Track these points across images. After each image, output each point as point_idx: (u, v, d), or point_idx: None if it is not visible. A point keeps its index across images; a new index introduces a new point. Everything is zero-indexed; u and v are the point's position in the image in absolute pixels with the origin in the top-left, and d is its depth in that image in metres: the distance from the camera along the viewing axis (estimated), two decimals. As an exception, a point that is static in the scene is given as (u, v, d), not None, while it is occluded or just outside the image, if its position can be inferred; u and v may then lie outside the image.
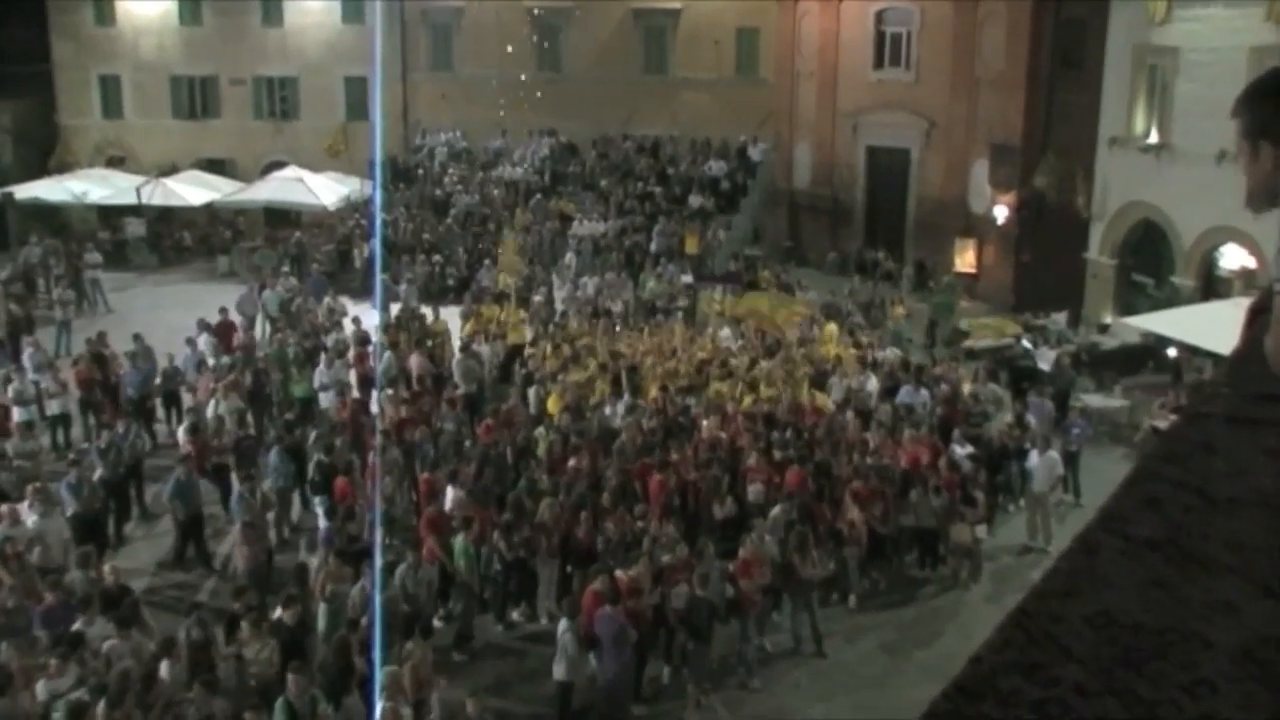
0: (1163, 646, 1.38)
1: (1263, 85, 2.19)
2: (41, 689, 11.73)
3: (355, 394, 21.65)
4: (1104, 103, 28.52)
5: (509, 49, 37.94)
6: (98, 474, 17.71)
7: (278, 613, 13.30)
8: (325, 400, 21.57)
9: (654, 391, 20.69)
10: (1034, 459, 18.39)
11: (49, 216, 38.11)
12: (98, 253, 33.28)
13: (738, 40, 39.55)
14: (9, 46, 41.04)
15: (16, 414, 20.81)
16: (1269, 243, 20.99)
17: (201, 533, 17.49)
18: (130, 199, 37.30)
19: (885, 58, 35.20)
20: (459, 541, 15.26)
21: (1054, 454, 18.52)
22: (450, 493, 16.47)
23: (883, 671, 15.01)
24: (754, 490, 17.01)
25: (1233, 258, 25.20)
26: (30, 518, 15.55)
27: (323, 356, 22.68)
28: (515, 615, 15.85)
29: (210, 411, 20.09)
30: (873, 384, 21.66)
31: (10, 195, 37.14)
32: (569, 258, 32.68)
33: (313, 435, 18.85)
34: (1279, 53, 21.43)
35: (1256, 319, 2.13)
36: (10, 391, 21.21)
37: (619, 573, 13.96)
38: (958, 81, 32.92)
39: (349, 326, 25.38)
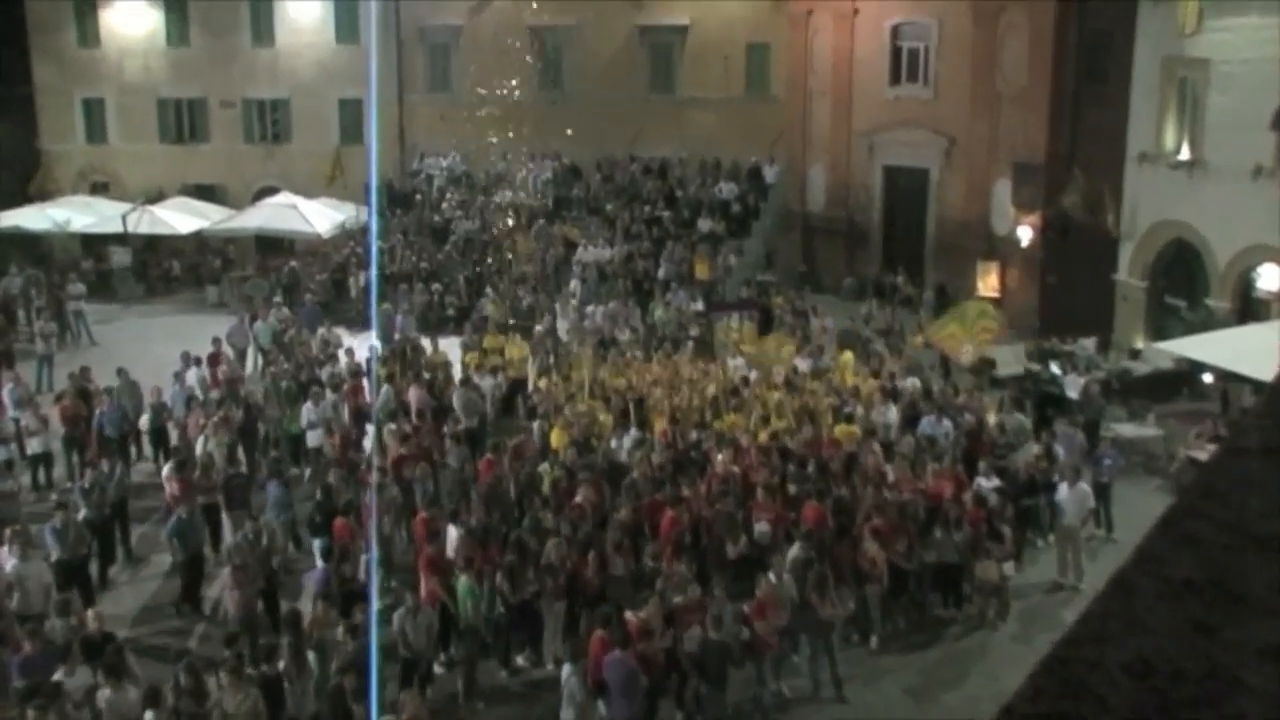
0: (1202, 694, 1.36)
1: None
2: (18, 742, 11.46)
3: (349, 428, 21.04)
4: (1132, 118, 28.10)
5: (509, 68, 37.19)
6: (82, 514, 17.20)
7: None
8: (314, 439, 21.00)
9: (662, 424, 20.26)
10: (1063, 492, 17.95)
11: (30, 246, 38.05)
12: (81, 283, 33.16)
13: (748, 57, 39.16)
14: (-12, 69, 41.06)
15: (-5, 452, 20.51)
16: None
17: (200, 575, 17.10)
18: (115, 227, 37.16)
19: (902, 74, 34.87)
20: (463, 583, 14.78)
21: (1084, 486, 18.09)
22: (452, 532, 15.98)
23: (906, 716, 14.71)
24: (758, 529, 16.54)
25: (1270, 278, 24.71)
26: (9, 562, 15.18)
27: (314, 392, 22.08)
28: (520, 660, 15.48)
29: (199, 449, 19.69)
30: (893, 414, 21.21)
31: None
32: (573, 285, 32.18)
33: (307, 473, 18.52)
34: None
35: None
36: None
37: (629, 614, 13.70)
38: (978, 98, 32.50)
39: (344, 359, 24.97)
